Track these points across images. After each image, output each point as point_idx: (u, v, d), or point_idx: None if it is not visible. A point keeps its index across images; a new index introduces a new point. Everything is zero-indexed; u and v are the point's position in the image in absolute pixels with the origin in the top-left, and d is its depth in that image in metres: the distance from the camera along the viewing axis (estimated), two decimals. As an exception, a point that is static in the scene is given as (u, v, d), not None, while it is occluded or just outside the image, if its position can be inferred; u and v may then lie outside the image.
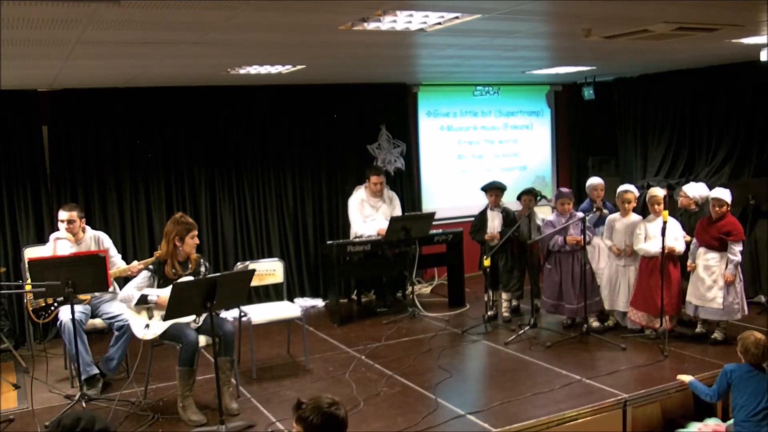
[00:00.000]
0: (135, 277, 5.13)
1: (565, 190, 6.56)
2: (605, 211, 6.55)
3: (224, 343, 4.94)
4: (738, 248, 5.85)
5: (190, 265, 5.09)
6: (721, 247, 5.89)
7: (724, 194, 5.90)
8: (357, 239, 7.38)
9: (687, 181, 7.44)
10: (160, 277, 5.00)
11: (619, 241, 6.33)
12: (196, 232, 5.05)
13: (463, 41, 5.28)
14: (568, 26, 4.89)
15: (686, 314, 6.27)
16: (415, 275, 7.89)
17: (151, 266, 5.05)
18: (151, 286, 4.98)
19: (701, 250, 6.01)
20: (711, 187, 6.31)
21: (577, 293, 6.28)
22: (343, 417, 2.76)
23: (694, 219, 6.29)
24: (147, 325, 4.90)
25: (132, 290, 4.94)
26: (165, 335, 4.95)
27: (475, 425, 4.61)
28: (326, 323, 7.28)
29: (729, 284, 5.84)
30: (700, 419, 4.91)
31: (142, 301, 4.89)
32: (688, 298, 6.07)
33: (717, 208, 5.89)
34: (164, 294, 4.70)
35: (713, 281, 5.91)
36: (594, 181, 7.02)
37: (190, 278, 4.95)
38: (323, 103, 8.17)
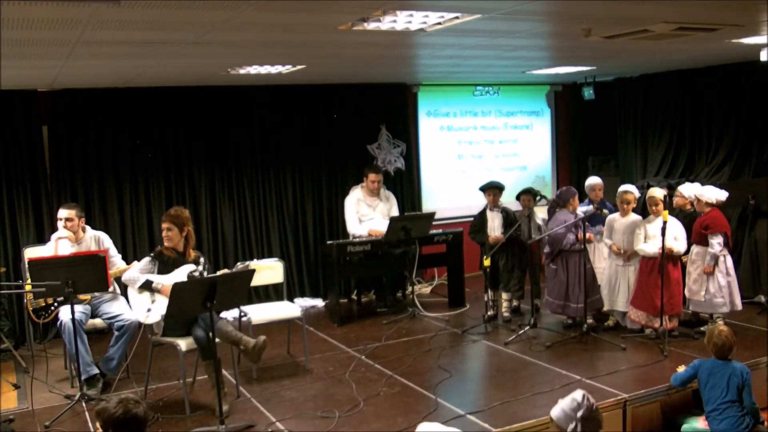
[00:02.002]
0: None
1: (573, 189, 6.61)
2: (605, 211, 6.55)
3: (199, 349, 4.97)
4: (716, 240, 5.99)
5: (188, 259, 5.19)
6: (703, 241, 6.07)
7: (704, 190, 6.15)
8: (356, 239, 7.38)
9: (687, 181, 7.44)
10: (161, 263, 5.11)
11: (618, 242, 6.33)
12: (165, 225, 5.17)
13: (463, 41, 5.28)
14: (568, 26, 4.89)
15: (686, 312, 6.32)
16: (415, 275, 7.89)
17: (152, 254, 5.21)
18: (151, 271, 5.09)
19: (693, 245, 6.19)
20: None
21: (584, 292, 6.26)
22: (140, 414, 2.86)
23: (689, 219, 6.32)
24: (149, 309, 4.93)
25: (136, 273, 5.06)
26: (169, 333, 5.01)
27: (475, 425, 4.61)
28: (326, 323, 7.28)
29: (708, 276, 6.02)
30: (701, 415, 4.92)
31: (146, 287, 4.99)
32: (684, 290, 6.23)
33: (695, 203, 6.23)
34: (168, 282, 4.78)
35: (698, 275, 6.11)
36: (593, 180, 7.03)
37: (192, 266, 5.10)
38: (323, 103, 8.17)
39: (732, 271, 6.13)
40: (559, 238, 6.32)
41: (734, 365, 4.63)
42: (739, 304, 6.13)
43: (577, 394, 3.24)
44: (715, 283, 6.02)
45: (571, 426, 3.15)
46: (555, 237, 6.36)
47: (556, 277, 6.47)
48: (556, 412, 3.24)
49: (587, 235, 6.28)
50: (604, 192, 7.01)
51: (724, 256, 6.08)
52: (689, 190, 6.52)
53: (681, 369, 4.98)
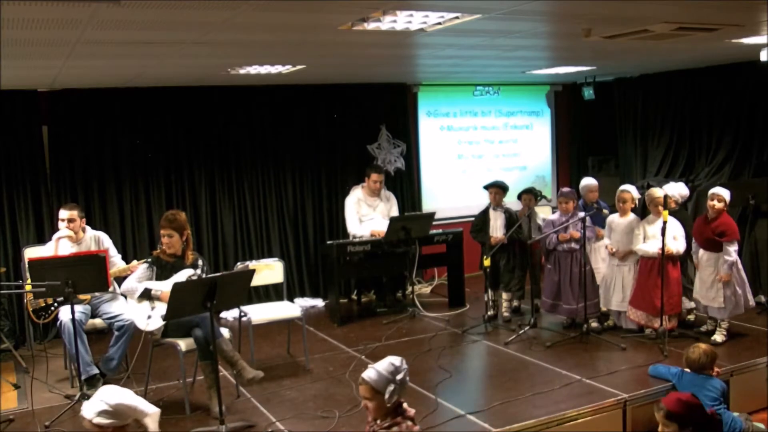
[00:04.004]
0: (134, 277, 5.19)
1: (566, 189, 6.57)
2: (605, 211, 6.55)
3: (198, 349, 4.96)
4: (732, 248, 5.89)
5: (187, 261, 5.17)
6: (715, 247, 5.94)
7: (722, 191, 5.97)
8: (357, 239, 7.38)
9: (687, 181, 7.44)
10: (158, 267, 5.09)
11: (617, 241, 6.33)
12: (165, 232, 5.11)
13: (463, 41, 5.28)
14: (568, 26, 4.89)
15: (684, 313, 6.31)
16: (415, 275, 7.89)
17: (149, 259, 5.17)
18: (150, 278, 5.07)
19: (700, 250, 6.08)
20: (711, 187, 6.31)
21: (576, 294, 6.28)
22: None
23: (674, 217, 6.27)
24: (149, 317, 4.93)
25: (134, 283, 5.03)
26: (171, 334, 5.01)
27: (475, 425, 4.61)
28: (326, 323, 7.28)
29: (725, 284, 5.90)
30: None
31: (146, 295, 4.97)
32: (695, 295, 6.15)
33: (716, 204, 5.92)
34: (167, 288, 4.76)
35: (712, 281, 5.98)
36: (586, 181, 7.01)
37: (190, 271, 5.06)
38: (323, 103, 8.17)
39: (743, 273, 6.07)
40: (543, 238, 6.45)
41: (713, 381, 4.76)
42: (752, 300, 6.08)
43: (395, 359, 3.28)
44: (733, 288, 5.92)
45: (390, 388, 3.20)
46: (540, 238, 6.50)
47: (549, 276, 6.53)
48: (371, 373, 3.24)
49: (571, 232, 6.29)
50: (602, 192, 7.00)
51: (736, 261, 6.01)
52: (673, 189, 6.49)
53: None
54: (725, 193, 5.95)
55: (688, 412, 3.82)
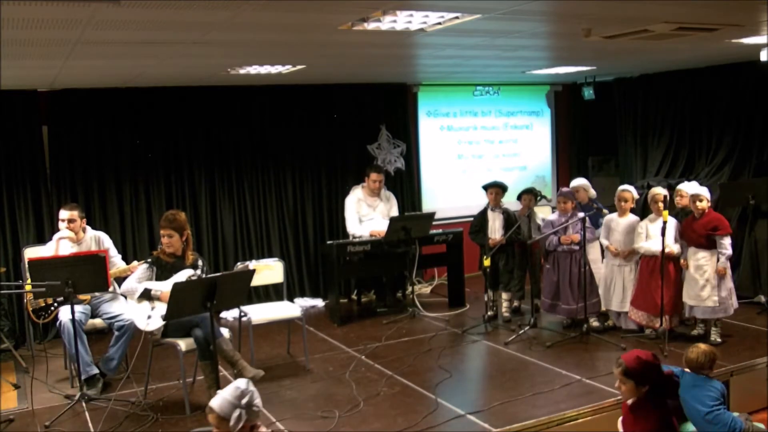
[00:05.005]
0: (134, 277, 5.19)
1: (565, 189, 6.57)
2: (605, 210, 6.55)
3: (198, 349, 4.96)
4: (727, 242, 5.88)
5: (187, 262, 5.17)
6: (709, 244, 5.91)
7: (702, 190, 5.99)
8: (356, 239, 7.38)
9: (687, 182, 7.43)
10: (158, 268, 5.09)
11: (617, 242, 6.33)
12: (165, 232, 5.11)
13: (463, 41, 5.28)
14: (568, 26, 4.89)
15: (685, 314, 6.30)
16: (415, 275, 7.89)
17: (149, 259, 5.17)
18: (150, 278, 5.07)
19: (691, 249, 6.02)
20: (711, 188, 6.32)
21: (575, 294, 6.29)
22: None
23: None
24: (149, 317, 4.93)
25: (134, 283, 5.03)
26: (171, 334, 5.01)
27: (475, 425, 4.61)
28: (326, 323, 7.28)
29: (721, 278, 5.86)
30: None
31: (145, 295, 4.97)
32: (684, 298, 6.07)
33: (697, 203, 5.92)
34: (166, 289, 4.76)
35: (705, 280, 5.91)
36: (576, 182, 7.00)
37: (190, 271, 5.05)
38: (323, 103, 8.17)
39: (731, 277, 6.05)
40: (543, 238, 6.45)
41: (713, 382, 4.68)
42: (736, 302, 6.07)
43: (241, 382, 3.21)
44: (725, 285, 5.90)
45: (236, 414, 3.12)
46: (540, 238, 6.51)
47: (548, 276, 6.53)
48: (217, 401, 3.16)
49: (571, 236, 6.29)
50: (602, 192, 7.00)
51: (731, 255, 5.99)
52: (691, 189, 6.50)
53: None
54: (705, 192, 5.97)
55: (646, 371, 3.75)
